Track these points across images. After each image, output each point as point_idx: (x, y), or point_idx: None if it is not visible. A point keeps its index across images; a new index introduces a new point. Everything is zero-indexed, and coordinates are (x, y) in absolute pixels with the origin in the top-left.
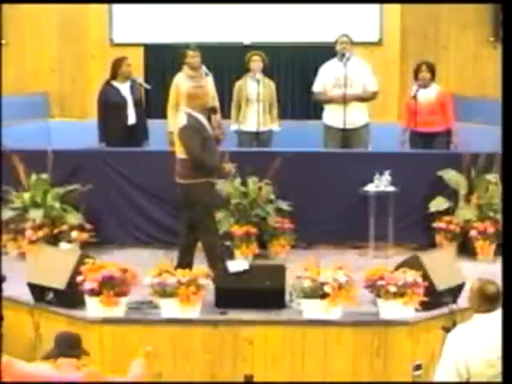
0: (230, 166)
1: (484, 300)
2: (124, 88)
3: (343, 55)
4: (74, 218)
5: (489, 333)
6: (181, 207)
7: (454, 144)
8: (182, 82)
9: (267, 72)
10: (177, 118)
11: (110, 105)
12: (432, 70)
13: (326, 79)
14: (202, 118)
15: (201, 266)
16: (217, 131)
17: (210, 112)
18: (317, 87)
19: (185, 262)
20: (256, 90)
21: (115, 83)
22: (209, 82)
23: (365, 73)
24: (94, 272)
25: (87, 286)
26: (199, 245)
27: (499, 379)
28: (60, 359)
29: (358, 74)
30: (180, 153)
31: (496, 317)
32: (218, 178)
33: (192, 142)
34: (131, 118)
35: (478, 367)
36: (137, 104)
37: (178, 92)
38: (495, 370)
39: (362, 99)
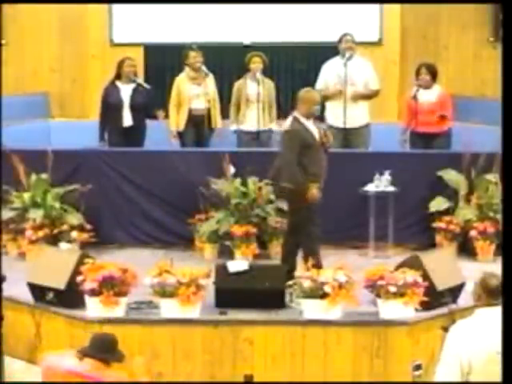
0: (314, 193)
1: (484, 293)
2: (125, 89)
3: (345, 54)
4: (74, 218)
5: (489, 327)
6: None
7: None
8: (182, 83)
9: (267, 72)
10: (178, 117)
11: (108, 104)
12: (432, 71)
13: (328, 77)
14: (310, 124)
15: (200, 267)
16: (323, 139)
17: (315, 120)
18: (319, 85)
19: (289, 266)
20: (256, 90)
21: (118, 83)
22: (210, 83)
23: (367, 71)
24: (94, 272)
25: (87, 286)
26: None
27: (498, 375)
28: (86, 359)
29: (360, 72)
30: None
31: (498, 312)
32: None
33: (287, 148)
34: (127, 120)
35: (477, 361)
36: (136, 107)
37: (179, 92)
38: (494, 365)
39: (364, 97)
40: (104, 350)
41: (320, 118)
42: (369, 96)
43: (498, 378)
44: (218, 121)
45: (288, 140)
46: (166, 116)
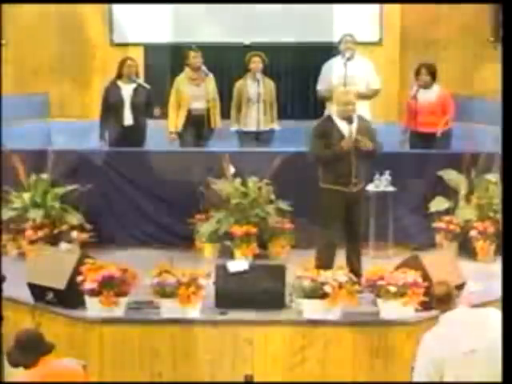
0: (347, 140)
1: (435, 300)
2: (126, 89)
3: (345, 55)
4: (74, 218)
5: (450, 331)
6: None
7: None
8: (182, 83)
9: (267, 72)
10: (176, 118)
11: (109, 104)
12: (432, 71)
13: (329, 77)
14: (343, 124)
15: (200, 267)
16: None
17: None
18: (320, 85)
19: (325, 264)
20: (256, 90)
21: (119, 83)
22: (210, 83)
23: (368, 71)
24: (94, 272)
25: (87, 286)
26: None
27: (475, 375)
28: (42, 361)
29: (360, 72)
30: None
31: (457, 315)
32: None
33: (311, 143)
34: (127, 120)
35: (447, 364)
36: (137, 106)
37: (178, 93)
38: (466, 365)
39: (364, 97)
40: (31, 348)
41: (348, 118)
42: (369, 95)
43: (472, 377)
44: (217, 121)
45: (312, 136)
46: (163, 113)
